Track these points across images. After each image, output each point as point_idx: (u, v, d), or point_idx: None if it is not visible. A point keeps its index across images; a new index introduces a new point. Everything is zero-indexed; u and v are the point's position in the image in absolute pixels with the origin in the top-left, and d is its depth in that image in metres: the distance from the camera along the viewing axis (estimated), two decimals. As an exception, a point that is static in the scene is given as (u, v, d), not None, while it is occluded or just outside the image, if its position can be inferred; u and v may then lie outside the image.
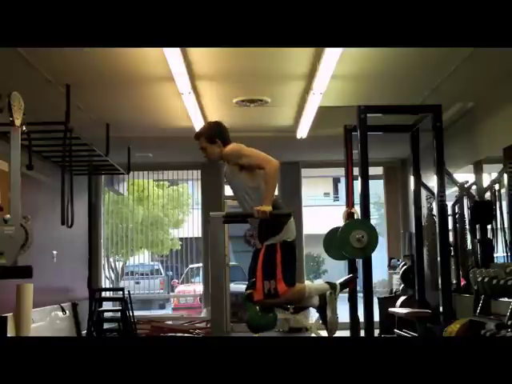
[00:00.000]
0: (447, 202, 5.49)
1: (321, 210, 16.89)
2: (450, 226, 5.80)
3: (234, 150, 3.71)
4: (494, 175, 5.62)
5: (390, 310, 6.31)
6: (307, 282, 3.93)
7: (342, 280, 4.01)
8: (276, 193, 3.85)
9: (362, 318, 5.51)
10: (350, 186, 6.13)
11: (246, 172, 3.68)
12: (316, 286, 3.94)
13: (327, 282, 3.88)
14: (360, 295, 5.58)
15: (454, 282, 5.81)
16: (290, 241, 3.70)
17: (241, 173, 3.69)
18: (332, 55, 4.27)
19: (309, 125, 6.25)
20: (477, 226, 5.62)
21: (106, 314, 7.46)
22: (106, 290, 8.62)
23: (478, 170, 5.79)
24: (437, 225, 5.48)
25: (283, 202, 4.10)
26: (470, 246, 5.79)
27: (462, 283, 5.82)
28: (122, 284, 11.97)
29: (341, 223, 5.64)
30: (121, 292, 7.45)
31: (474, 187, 5.83)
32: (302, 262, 8.59)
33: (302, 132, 6.57)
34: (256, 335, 4.03)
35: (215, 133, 3.82)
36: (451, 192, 5.97)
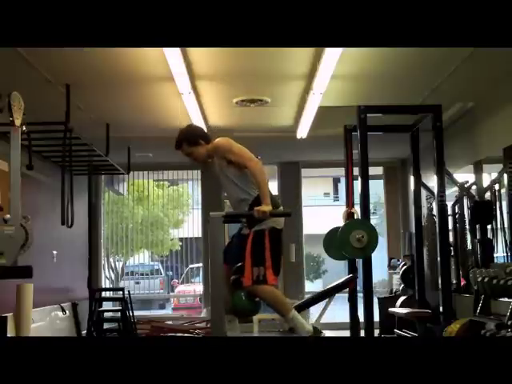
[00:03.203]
0: (447, 202, 5.49)
1: (321, 210, 16.89)
2: (450, 226, 5.80)
3: (224, 145, 3.74)
4: (494, 175, 5.62)
5: (390, 310, 6.31)
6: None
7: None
8: (276, 192, 3.87)
9: (362, 318, 5.52)
10: (350, 186, 6.14)
11: (234, 165, 3.72)
12: (294, 313, 3.75)
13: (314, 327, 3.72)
14: (360, 295, 5.59)
15: (454, 282, 5.81)
16: (278, 228, 3.69)
17: (229, 166, 3.72)
18: (332, 55, 4.27)
19: (309, 125, 6.25)
20: (477, 226, 5.62)
21: (106, 314, 7.46)
22: (105, 290, 8.62)
23: (478, 170, 5.79)
24: (437, 225, 5.48)
25: (283, 202, 4.10)
26: (470, 246, 5.79)
27: (462, 283, 5.82)
28: (121, 284, 11.97)
29: (341, 223, 5.64)
30: (121, 292, 7.45)
31: (474, 187, 5.83)
32: (302, 262, 8.60)
33: (302, 132, 6.57)
34: (256, 334, 4.02)
35: (196, 135, 3.85)
36: (451, 192, 5.97)
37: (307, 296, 6.90)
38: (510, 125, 5.05)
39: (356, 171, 5.62)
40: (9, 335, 4.57)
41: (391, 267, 8.17)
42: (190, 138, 3.81)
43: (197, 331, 7.66)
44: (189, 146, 3.80)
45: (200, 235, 9.09)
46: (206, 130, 6.28)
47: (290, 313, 3.69)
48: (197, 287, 11.32)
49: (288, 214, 3.71)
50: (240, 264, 3.68)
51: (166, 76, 4.72)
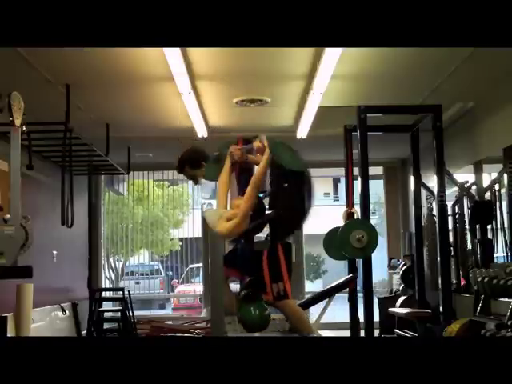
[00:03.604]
0: (447, 202, 5.49)
1: (321, 210, 16.86)
2: (450, 226, 5.80)
3: None
4: (494, 175, 5.62)
5: (390, 310, 6.31)
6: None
7: None
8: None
9: (362, 318, 5.52)
10: (350, 186, 6.13)
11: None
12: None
13: None
14: (360, 295, 5.59)
15: (454, 282, 5.81)
16: (289, 241, 3.78)
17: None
18: (332, 55, 4.27)
19: (309, 125, 6.25)
20: (477, 226, 5.62)
21: (106, 314, 7.46)
22: (105, 290, 8.62)
23: (478, 170, 5.79)
24: (437, 225, 5.48)
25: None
26: (470, 246, 5.79)
27: (462, 283, 5.82)
28: (121, 284, 11.98)
29: (341, 223, 5.64)
30: (121, 292, 7.46)
31: (474, 187, 5.83)
32: (302, 262, 8.59)
33: (302, 132, 6.57)
34: (256, 334, 4.03)
35: (198, 157, 3.82)
36: (451, 192, 5.97)
37: (307, 296, 6.89)
38: (510, 125, 5.05)
39: (356, 171, 5.62)
40: (9, 335, 4.56)
41: (391, 267, 8.17)
42: (193, 160, 3.80)
43: (197, 331, 7.65)
44: (191, 168, 3.80)
45: (200, 235, 9.09)
46: (206, 131, 6.33)
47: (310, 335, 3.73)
48: (197, 287, 11.33)
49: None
50: (250, 278, 3.73)
51: (166, 76, 4.72)
